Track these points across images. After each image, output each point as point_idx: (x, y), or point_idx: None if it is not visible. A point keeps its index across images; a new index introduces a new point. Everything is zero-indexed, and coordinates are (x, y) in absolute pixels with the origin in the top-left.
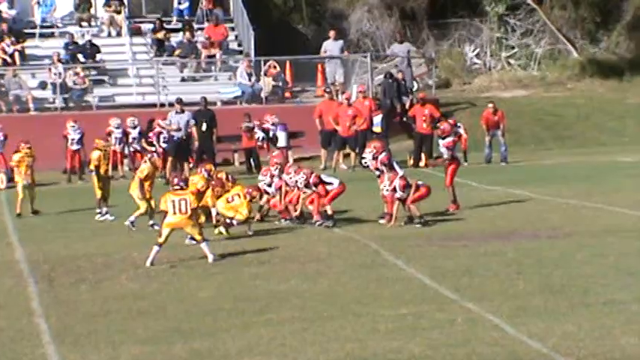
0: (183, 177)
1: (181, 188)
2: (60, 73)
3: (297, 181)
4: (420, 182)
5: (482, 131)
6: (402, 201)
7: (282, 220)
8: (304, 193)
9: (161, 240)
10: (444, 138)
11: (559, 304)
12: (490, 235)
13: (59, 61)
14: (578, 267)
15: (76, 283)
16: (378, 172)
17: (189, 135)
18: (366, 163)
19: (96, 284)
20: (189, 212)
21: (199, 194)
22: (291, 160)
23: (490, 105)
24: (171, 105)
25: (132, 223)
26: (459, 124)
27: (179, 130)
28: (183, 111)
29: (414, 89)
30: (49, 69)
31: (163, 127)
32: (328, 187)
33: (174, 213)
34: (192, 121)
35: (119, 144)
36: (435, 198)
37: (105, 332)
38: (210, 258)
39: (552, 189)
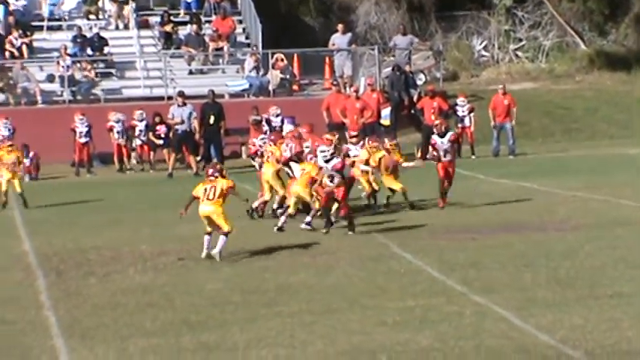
0: (217, 167)
1: (216, 178)
2: (68, 66)
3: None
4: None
5: (489, 126)
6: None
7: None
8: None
9: (208, 229)
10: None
11: (567, 296)
12: (498, 227)
13: (67, 54)
14: (586, 259)
15: (84, 276)
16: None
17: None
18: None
19: (104, 277)
20: (215, 198)
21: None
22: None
23: (500, 87)
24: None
25: None
26: (464, 114)
27: (182, 123)
28: (185, 104)
29: (422, 82)
30: (57, 62)
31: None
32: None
33: (203, 200)
34: (194, 114)
35: (122, 137)
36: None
37: (113, 325)
38: (217, 255)
39: (560, 182)
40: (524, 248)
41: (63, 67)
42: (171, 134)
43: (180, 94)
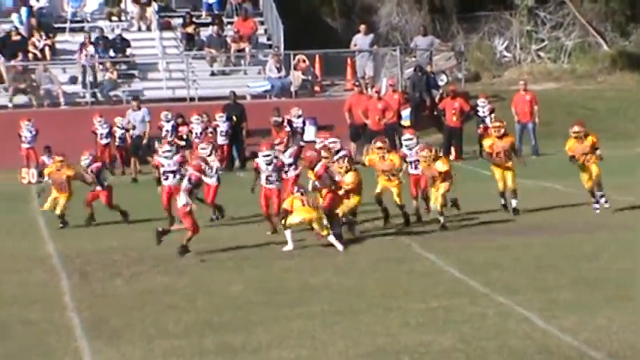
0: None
1: None
2: (92, 68)
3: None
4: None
5: (513, 124)
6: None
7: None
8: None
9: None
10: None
11: (591, 297)
12: (521, 228)
13: (92, 56)
14: (611, 260)
15: (110, 277)
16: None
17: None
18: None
19: (130, 278)
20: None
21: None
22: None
23: (521, 83)
24: (201, 100)
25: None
26: (485, 114)
27: (134, 127)
28: (139, 108)
29: (443, 82)
30: (83, 65)
31: (122, 126)
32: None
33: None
34: (148, 117)
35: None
36: (467, 191)
37: (135, 326)
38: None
39: None
40: (546, 249)
41: (84, 65)
42: (193, 135)
43: (135, 98)
